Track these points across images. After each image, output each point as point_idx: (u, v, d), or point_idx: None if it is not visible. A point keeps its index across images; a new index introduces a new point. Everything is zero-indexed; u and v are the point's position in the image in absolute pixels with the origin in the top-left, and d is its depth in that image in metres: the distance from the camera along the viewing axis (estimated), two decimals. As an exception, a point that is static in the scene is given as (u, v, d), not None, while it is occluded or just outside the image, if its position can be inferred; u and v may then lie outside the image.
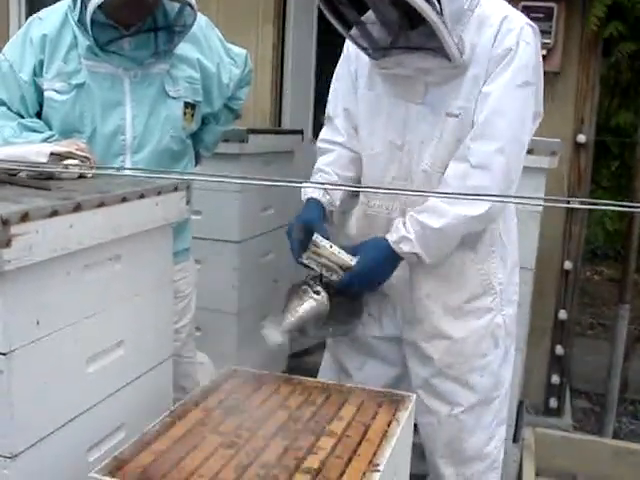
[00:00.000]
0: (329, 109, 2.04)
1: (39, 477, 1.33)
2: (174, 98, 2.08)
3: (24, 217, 1.21)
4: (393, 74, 1.82)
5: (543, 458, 2.64)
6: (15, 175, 1.53)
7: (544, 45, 3.14)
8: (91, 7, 1.85)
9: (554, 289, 3.47)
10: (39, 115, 2.05)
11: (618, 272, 4.56)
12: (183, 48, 2.08)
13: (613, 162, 5.46)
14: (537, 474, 2.51)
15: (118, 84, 2.02)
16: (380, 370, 2.05)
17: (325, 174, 1.97)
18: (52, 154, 1.60)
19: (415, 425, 1.71)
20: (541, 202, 2.41)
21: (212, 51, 2.17)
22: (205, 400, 1.58)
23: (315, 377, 2.00)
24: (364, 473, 1.31)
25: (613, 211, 5.71)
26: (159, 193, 1.59)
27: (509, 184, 1.78)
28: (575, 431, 3.49)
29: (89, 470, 1.27)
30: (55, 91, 2.00)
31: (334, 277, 1.80)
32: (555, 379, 3.53)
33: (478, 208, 1.77)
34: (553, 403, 3.54)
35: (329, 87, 2.04)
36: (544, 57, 3.11)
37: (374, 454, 1.38)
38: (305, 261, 1.82)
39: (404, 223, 1.80)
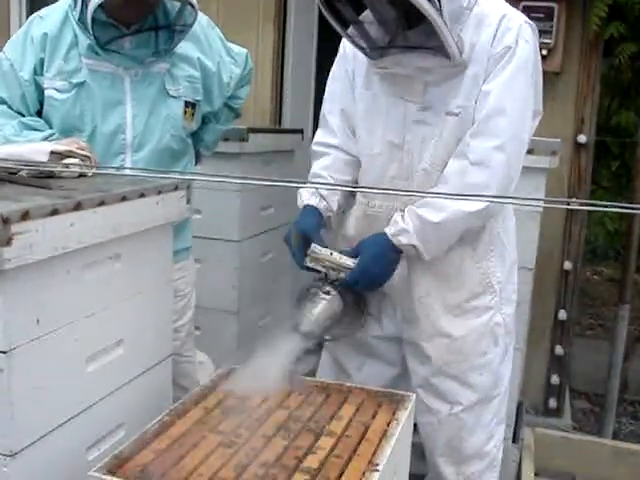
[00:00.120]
0: (324, 110, 2.03)
1: (39, 475, 1.33)
2: (174, 97, 2.08)
3: (24, 216, 1.21)
4: (391, 73, 1.82)
5: (542, 458, 2.64)
6: (15, 174, 1.54)
7: (545, 45, 3.14)
8: (92, 6, 1.85)
9: (554, 289, 3.47)
10: (40, 114, 2.05)
11: (618, 272, 4.56)
12: (184, 47, 2.08)
13: (613, 162, 5.46)
14: (536, 474, 2.50)
15: (118, 83, 2.02)
16: (379, 370, 2.06)
17: (321, 179, 1.96)
18: (52, 153, 1.60)
19: (414, 425, 1.71)
20: (541, 203, 2.40)
21: (213, 50, 2.17)
22: (205, 399, 1.58)
23: (314, 377, 2.00)
24: (364, 473, 1.31)
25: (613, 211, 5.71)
26: (159, 192, 1.59)
27: (509, 182, 1.78)
28: (575, 431, 3.49)
29: (89, 469, 1.27)
30: (55, 90, 2.00)
31: (341, 274, 1.81)
32: (555, 379, 3.53)
33: (477, 204, 1.77)
34: (552, 403, 3.55)
35: (329, 87, 2.04)
36: (544, 57, 3.14)
37: (374, 454, 1.38)
38: (310, 264, 1.82)
39: (402, 216, 1.81)
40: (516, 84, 1.77)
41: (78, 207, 1.34)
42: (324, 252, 1.81)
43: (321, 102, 2.05)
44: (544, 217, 2.75)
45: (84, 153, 1.67)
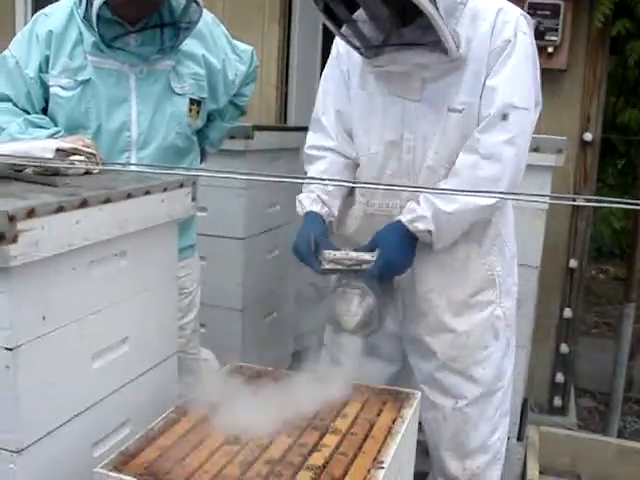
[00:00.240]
0: (318, 112, 2.01)
1: (45, 472, 1.34)
2: (179, 95, 2.08)
3: (30, 213, 1.21)
4: (387, 72, 1.82)
5: (547, 456, 2.64)
6: (21, 171, 1.54)
7: (550, 42, 3.14)
8: (97, 3, 1.86)
9: (559, 287, 3.46)
10: (45, 111, 2.05)
11: (624, 271, 4.55)
12: (189, 44, 2.08)
13: (619, 160, 5.43)
14: (541, 472, 2.50)
15: (124, 80, 2.02)
16: (379, 367, 2.06)
17: (320, 185, 1.94)
18: (58, 150, 1.60)
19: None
20: (547, 199, 2.40)
21: (218, 47, 2.17)
22: (210, 396, 1.58)
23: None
24: (369, 470, 1.31)
25: (619, 209, 5.70)
26: (165, 190, 1.59)
27: (519, 175, 1.80)
28: (579, 430, 3.48)
29: (94, 465, 1.28)
30: (61, 87, 2.01)
31: (364, 266, 1.81)
32: (560, 377, 3.52)
33: (488, 198, 1.78)
34: (557, 401, 3.54)
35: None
36: (550, 55, 3.13)
37: (379, 451, 1.38)
38: (328, 268, 1.82)
39: (418, 203, 1.80)
40: (520, 78, 1.78)
41: (84, 204, 1.34)
42: (339, 254, 1.82)
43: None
44: (550, 215, 2.75)
45: (89, 150, 1.68)
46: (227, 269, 2.98)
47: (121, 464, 1.28)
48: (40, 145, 1.63)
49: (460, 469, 2.02)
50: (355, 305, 1.80)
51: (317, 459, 1.33)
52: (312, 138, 2.02)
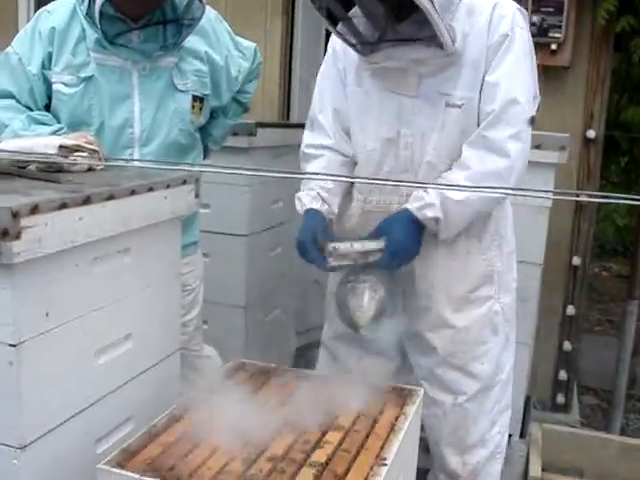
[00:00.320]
0: (314, 111, 2.01)
1: (48, 468, 1.34)
2: (182, 91, 2.08)
3: (34, 209, 1.21)
4: (383, 68, 1.82)
5: (550, 454, 2.64)
6: (24, 168, 1.54)
7: (554, 39, 3.13)
8: (99, 0, 1.85)
9: (562, 285, 3.46)
10: (48, 108, 2.05)
11: (627, 268, 4.54)
12: (192, 41, 2.08)
13: (622, 158, 5.42)
14: (544, 469, 2.50)
15: (126, 77, 2.02)
16: (378, 364, 2.06)
17: (320, 182, 1.95)
18: (61, 147, 1.60)
19: (419, 419, 1.72)
20: (550, 195, 2.39)
21: (221, 44, 2.16)
22: (212, 393, 1.58)
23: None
24: (371, 467, 1.31)
25: (622, 206, 5.69)
26: (168, 186, 1.59)
27: (524, 168, 1.81)
28: (582, 427, 3.49)
29: (97, 461, 1.28)
30: (63, 84, 2.01)
31: (370, 259, 1.80)
32: (562, 375, 3.52)
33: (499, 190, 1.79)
34: (560, 399, 3.54)
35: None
36: (554, 52, 3.12)
37: (381, 448, 1.38)
38: (335, 264, 1.80)
39: (426, 192, 1.80)
40: (521, 72, 1.79)
41: (87, 201, 1.34)
42: (344, 246, 1.80)
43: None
44: (553, 212, 2.74)
45: (92, 147, 1.67)
46: (230, 266, 2.98)
47: (124, 460, 1.28)
48: (43, 142, 1.63)
49: (460, 464, 2.03)
50: (367, 300, 1.78)
51: (320, 456, 1.33)
52: (309, 137, 2.02)
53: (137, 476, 1.23)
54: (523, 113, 1.78)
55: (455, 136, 1.82)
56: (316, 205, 1.91)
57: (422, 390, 1.65)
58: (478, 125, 1.81)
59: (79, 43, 2.00)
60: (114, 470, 1.25)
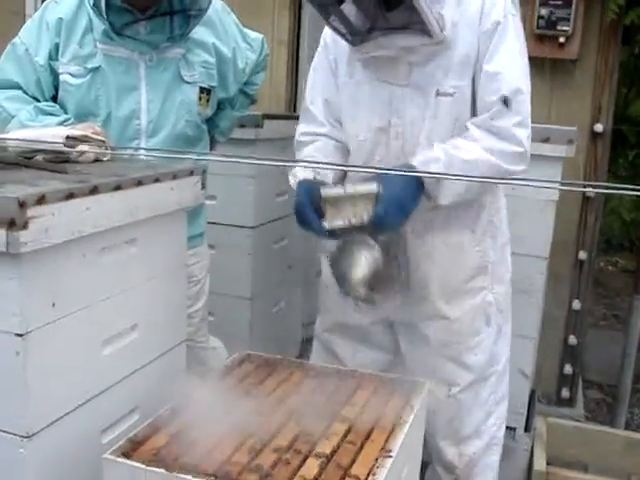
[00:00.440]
0: (307, 101, 2.01)
1: (54, 457, 1.34)
2: (189, 83, 2.08)
3: (41, 200, 1.22)
4: (374, 58, 1.81)
5: (554, 448, 2.64)
6: (31, 158, 1.54)
7: (562, 32, 3.11)
8: (107, -10, 1.85)
9: (568, 279, 3.45)
10: (55, 99, 2.05)
11: (633, 263, 4.53)
12: (199, 32, 2.07)
13: (630, 151, 5.40)
14: (548, 463, 2.51)
15: (133, 68, 2.02)
16: (373, 356, 2.07)
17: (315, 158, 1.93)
18: (68, 137, 1.60)
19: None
20: (556, 186, 2.38)
21: (228, 35, 2.16)
22: (218, 384, 1.58)
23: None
24: (377, 459, 1.31)
25: (629, 201, 5.66)
26: (174, 177, 1.59)
27: (529, 155, 1.81)
28: (587, 421, 3.48)
29: (103, 451, 1.28)
30: (70, 75, 2.01)
31: (365, 217, 1.71)
32: (568, 369, 3.51)
33: (517, 165, 1.78)
34: (565, 393, 3.54)
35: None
36: (562, 45, 3.11)
37: (387, 440, 1.38)
38: (329, 227, 1.73)
39: (431, 149, 1.78)
40: (518, 60, 1.79)
41: (94, 191, 1.34)
42: (336, 190, 1.74)
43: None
44: (559, 206, 2.73)
45: (99, 138, 1.68)
46: (236, 258, 2.98)
47: (130, 450, 1.29)
48: (50, 132, 1.63)
49: (456, 455, 2.04)
50: (361, 258, 1.71)
51: (325, 447, 1.34)
52: (302, 127, 2.03)
53: (143, 466, 1.23)
54: (526, 101, 1.78)
55: (447, 125, 1.81)
56: (310, 175, 1.87)
57: (427, 383, 1.65)
58: (472, 114, 1.81)
59: (86, 34, 2.00)
60: (119, 460, 1.25)
